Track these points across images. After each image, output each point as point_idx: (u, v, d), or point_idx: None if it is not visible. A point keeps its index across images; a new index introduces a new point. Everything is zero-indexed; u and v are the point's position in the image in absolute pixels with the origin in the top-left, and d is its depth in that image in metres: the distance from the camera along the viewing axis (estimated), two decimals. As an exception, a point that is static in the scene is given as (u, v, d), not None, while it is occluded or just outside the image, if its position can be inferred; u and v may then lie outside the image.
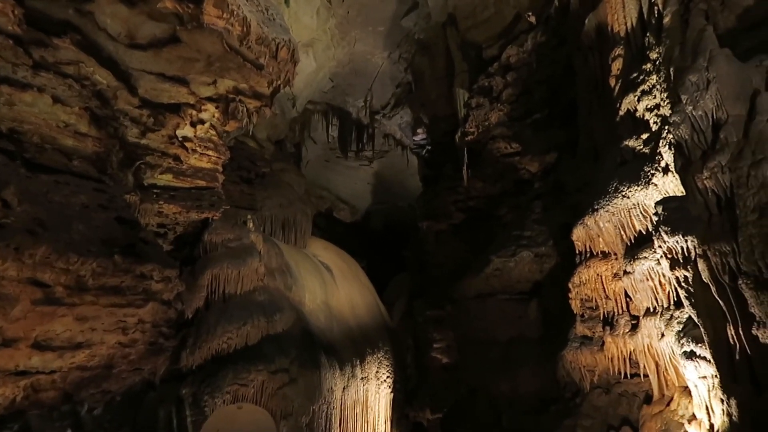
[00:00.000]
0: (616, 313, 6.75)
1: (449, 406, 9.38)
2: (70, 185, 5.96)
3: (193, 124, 7.76)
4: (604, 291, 6.88)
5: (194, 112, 7.69)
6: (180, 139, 7.64)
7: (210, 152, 8.07)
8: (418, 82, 13.13)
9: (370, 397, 9.22)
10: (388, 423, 9.63)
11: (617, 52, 7.10)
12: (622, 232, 6.48)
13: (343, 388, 8.70)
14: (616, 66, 7.12)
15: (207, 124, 7.92)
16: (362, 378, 9.17)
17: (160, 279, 6.19)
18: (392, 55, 13.08)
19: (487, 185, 10.76)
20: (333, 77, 13.28)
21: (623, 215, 6.35)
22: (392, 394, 9.80)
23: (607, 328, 6.76)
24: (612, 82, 7.19)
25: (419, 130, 13.96)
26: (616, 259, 6.68)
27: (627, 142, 6.42)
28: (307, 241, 11.19)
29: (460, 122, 11.34)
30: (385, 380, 9.67)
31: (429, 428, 9.76)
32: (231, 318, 7.33)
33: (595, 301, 7.01)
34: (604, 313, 6.93)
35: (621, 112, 6.68)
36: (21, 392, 5.03)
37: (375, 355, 9.67)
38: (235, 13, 7.02)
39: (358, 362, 9.20)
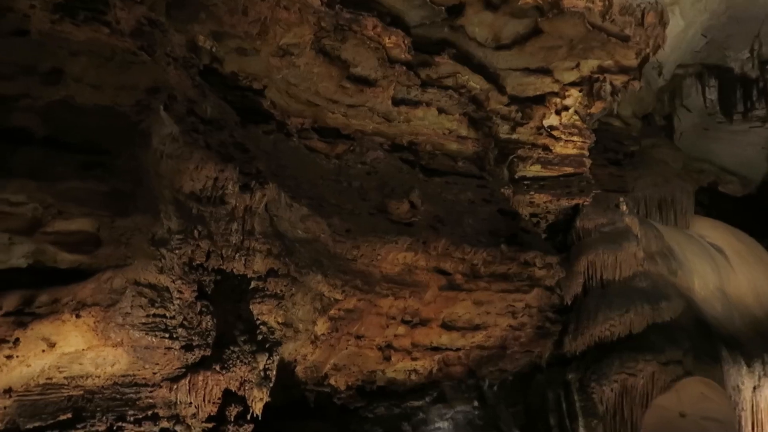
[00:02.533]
0: None
1: None
2: (457, 184, 6.76)
3: (557, 112, 7.83)
4: None
5: (558, 100, 7.75)
6: (547, 128, 7.80)
7: (575, 138, 8.01)
8: (832, 9, 10.44)
9: (792, 402, 7.76)
10: (821, 436, 7.92)
11: None
12: None
13: (754, 388, 7.56)
14: None
15: (571, 110, 7.90)
16: (779, 378, 7.81)
17: (542, 266, 6.49)
18: (788, -16, 10.68)
19: None
20: (706, 32, 11.56)
21: None
22: (824, 402, 8.04)
23: None
24: None
25: (839, 70, 11.08)
26: None
27: None
28: (689, 220, 10.10)
29: None
30: (812, 384, 8.01)
31: None
32: (612, 305, 7.16)
33: None
34: None
35: None
36: (435, 365, 5.95)
37: (795, 353, 8.11)
38: (595, -11, 6.82)
39: (771, 359, 7.87)
